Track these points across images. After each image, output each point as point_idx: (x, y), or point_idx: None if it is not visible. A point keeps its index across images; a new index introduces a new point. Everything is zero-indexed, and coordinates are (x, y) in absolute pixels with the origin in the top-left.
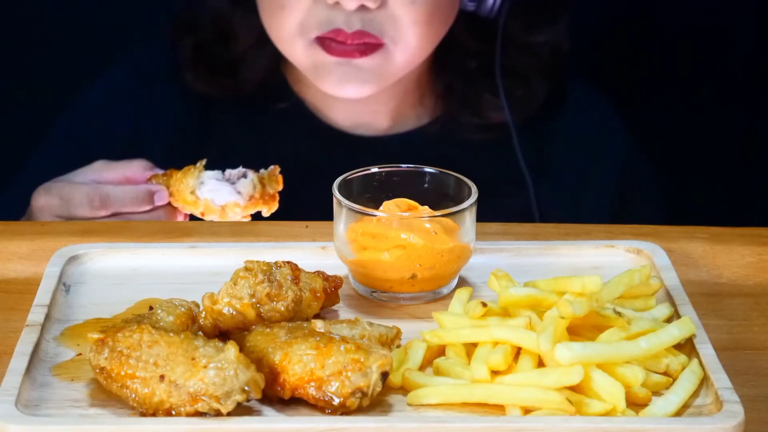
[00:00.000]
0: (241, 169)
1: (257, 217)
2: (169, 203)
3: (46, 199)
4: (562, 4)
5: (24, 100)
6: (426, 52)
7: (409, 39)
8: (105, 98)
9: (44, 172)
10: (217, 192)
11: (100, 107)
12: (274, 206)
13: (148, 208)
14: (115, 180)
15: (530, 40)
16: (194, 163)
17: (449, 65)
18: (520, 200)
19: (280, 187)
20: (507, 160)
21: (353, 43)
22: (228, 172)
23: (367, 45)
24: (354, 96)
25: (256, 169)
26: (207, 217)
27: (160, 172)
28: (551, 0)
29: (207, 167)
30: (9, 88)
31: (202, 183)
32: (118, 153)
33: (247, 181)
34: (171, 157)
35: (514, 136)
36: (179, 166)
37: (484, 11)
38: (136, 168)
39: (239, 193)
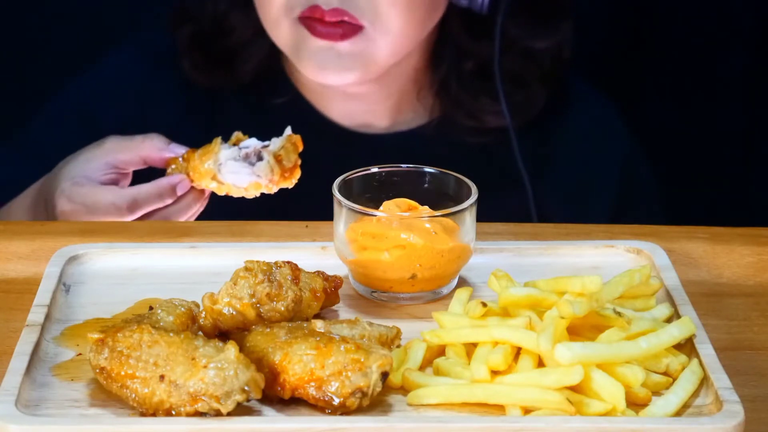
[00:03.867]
0: (256, 146)
1: (261, 215)
2: (193, 187)
3: (70, 206)
4: (563, 10)
5: (29, 74)
6: (410, 40)
7: (389, 22)
8: (112, 75)
9: (50, 140)
10: (237, 174)
11: (106, 83)
12: (297, 175)
13: (172, 201)
14: (131, 161)
15: (531, 45)
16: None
17: (446, 64)
18: (517, 201)
19: (300, 149)
20: (505, 162)
21: (331, 21)
22: (244, 150)
23: (347, 27)
24: (335, 83)
25: (269, 142)
26: (234, 195)
27: (177, 151)
28: (552, 5)
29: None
30: (15, 62)
31: (221, 165)
32: (125, 126)
33: (264, 163)
34: (176, 138)
35: (514, 141)
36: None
37: (476, 5)
38: (151, 147)
39: (258, 176)
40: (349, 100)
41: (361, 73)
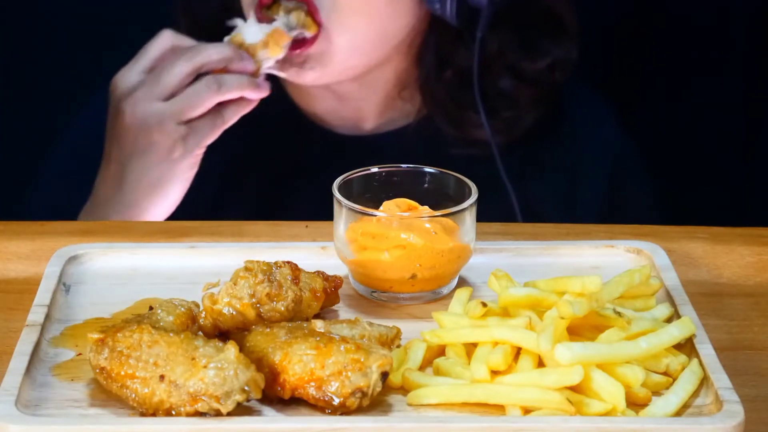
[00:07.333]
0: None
1: (261, 215)
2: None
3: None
4: (554, 32)
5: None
6: (369, 38)
7: (346, 19)
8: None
9: (53, 181)
10: (256, 31)
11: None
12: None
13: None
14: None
15: (519, 65)
16: None
17: (427, 69)
18: (503, 207)
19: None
20: (490, 168)
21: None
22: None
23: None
24: (296, 80)
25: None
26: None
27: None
28: (542, 27)
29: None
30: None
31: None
32: None
33: (279, 21)
34: None
35: (497, 156)
36: None
37: (446, 15)
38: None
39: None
40: (332, 99)
41: (320, 72)
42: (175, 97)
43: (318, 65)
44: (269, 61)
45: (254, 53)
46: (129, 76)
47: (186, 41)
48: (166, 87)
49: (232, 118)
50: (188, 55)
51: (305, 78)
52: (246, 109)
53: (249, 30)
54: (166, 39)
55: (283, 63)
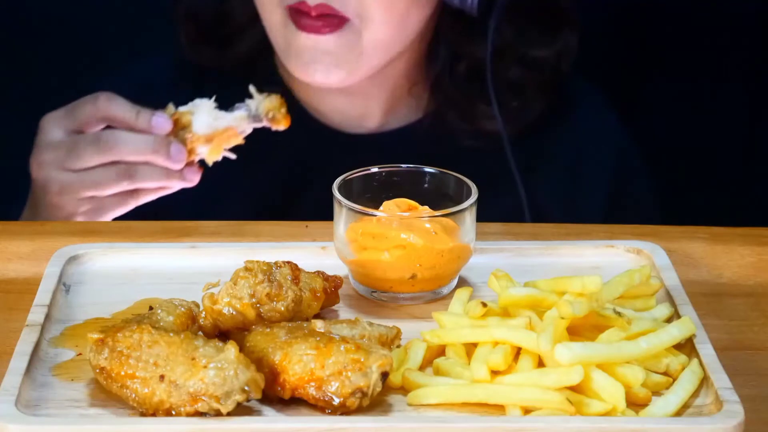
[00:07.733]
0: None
1: (261, 215)
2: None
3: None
4: (563, 19)
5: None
6: (394, 31)
7: (373, 14)
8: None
9: None
10: (207, 120)
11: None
12: (285, 123)
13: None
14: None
15: (528, 53)
16: None
17: (439, 63)
18: (510, 202)
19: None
20: (498, 164)
21: (317, 15)
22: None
23: (332, 20)
24: (322, 82)
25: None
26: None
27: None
28: (551, 15)
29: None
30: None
31: (194, 116)
32: None
33: (241, 111)
34: None
35: (507, 147)
36: None
37: (466, 5)
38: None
39: (235, 122)
40: (341, 95)
41: (347, 71)
42: (83, 172)
43: (345, 62)
44: (203, 155)
45: (192, 144)
46: (53, 130)
47: (122, 110)
48: (74, 164)
49: (146, 199)
50: (105, 146)
51: (330, 80)
52: (165, 193)
53: (201, 117)
54: (100, 105)
55: (308, 63)
